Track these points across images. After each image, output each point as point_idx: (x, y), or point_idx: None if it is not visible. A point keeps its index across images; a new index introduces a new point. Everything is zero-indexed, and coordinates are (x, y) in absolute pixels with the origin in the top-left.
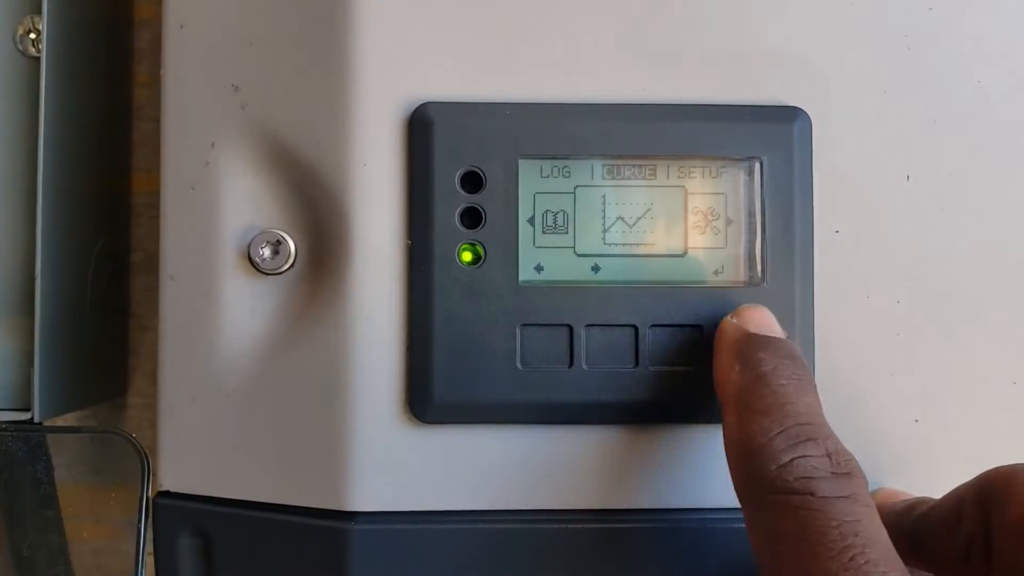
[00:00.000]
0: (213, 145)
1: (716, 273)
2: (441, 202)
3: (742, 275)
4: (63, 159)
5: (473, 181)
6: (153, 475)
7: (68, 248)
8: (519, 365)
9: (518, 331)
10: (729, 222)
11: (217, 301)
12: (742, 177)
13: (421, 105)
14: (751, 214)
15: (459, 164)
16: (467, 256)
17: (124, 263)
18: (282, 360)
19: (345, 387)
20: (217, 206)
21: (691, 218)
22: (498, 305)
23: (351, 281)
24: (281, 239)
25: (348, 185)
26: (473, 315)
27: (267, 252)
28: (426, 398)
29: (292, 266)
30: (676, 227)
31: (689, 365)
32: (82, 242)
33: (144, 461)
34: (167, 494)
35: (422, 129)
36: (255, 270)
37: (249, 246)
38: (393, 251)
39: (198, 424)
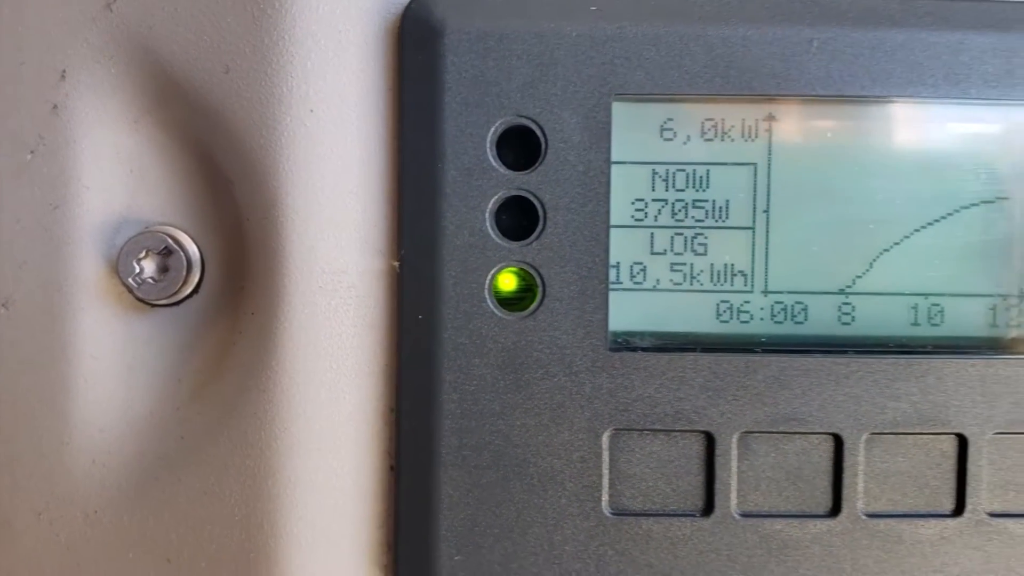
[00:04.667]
0: (64, 75)
1: (980, 328)
2: (461, 185)
3: None
4: None
5: (522, 145)
6: None
7: None
8: (607, 510)
9: (606, 442)
10: (1011, 230)
11: (70, 351)
12: None
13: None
14: None
15: (495, 112)
16: (509, 288)
17: None
18: (177, 463)
19: (277, 528)
20: (69, 184)
21: (940, 224)
22: (569, 389)
23: (287, 333)
24: (171, 246)
25: (282, 149)
26: (518, 409)
27: (149, 267)
28: (423, 566)
29: (196, 292)
30: (913, 243)
31: (939, 514)
32: None
33: None
34: None
35: (423, 41)
36: (132, 297)
37: (118, 257)
38: (366, 278)
39: (45, 553)
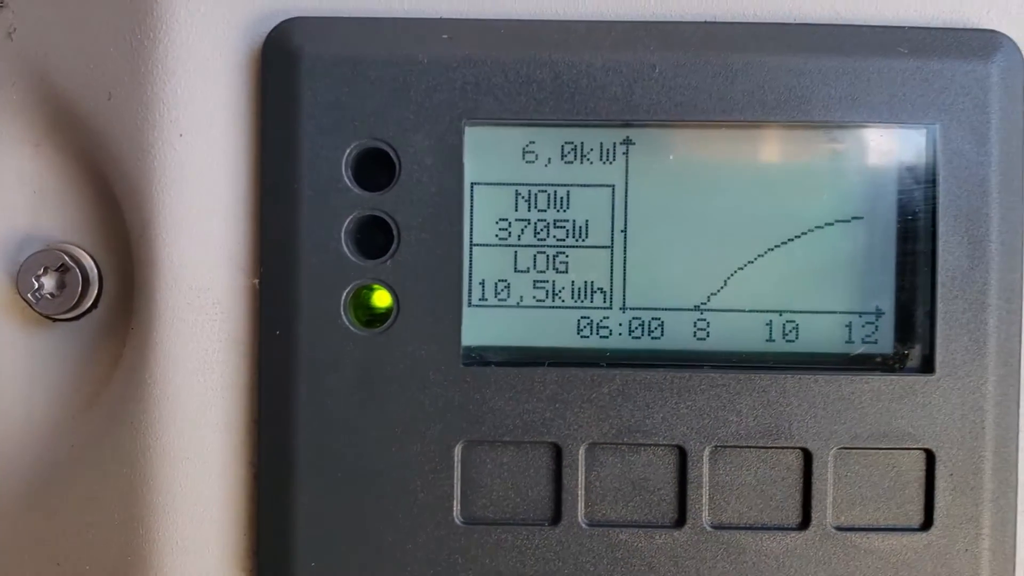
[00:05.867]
0: None
1: (835, 345)
2: (317, 205)
3: (888, 348)
4: None
5: (377, 167)
6: None
7: None
8: (458, 519)
9: (458, 454)
10: (865, 248)
11: None
12: (895, 162)
13: (281, 24)
14: (909, 233)
15: (351, 135)
16: (366, 307)
17: None
18: (68, 470)
19: (152, 532)
20: None
21: (795, 243)
22: (422, 403)
23: (160, 347)
24: (68, 263)
25: (155, 171)
26: (373, 422)
27: (48, 283)
28: (282, 572)
29: (95, 307)
30: (768, 261)
31: (785, 527)
32: None
33: None
34: None
35: (282, 67)
36: (32, 312)
37: (18, 272)
38: (231, 295)
39: None
